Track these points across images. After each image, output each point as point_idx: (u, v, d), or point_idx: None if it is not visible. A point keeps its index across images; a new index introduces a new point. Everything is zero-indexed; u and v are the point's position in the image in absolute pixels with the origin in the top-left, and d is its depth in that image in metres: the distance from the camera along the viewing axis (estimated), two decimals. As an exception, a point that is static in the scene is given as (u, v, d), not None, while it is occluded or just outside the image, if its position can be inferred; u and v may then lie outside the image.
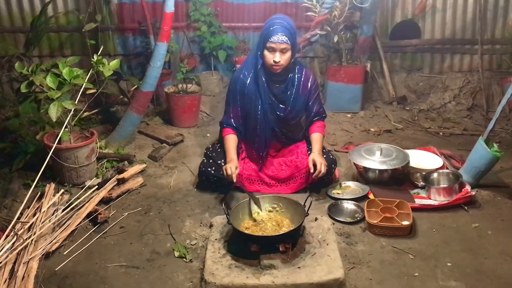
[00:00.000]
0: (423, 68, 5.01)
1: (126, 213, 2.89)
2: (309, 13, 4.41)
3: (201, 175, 3.10)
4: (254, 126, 3.12)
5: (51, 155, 2.86)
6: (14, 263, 2.38)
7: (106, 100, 4.50)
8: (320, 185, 3.11)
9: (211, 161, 3.09)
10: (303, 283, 2.16)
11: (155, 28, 4.28)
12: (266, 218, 2.59)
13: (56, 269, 2.39)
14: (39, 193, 3.04)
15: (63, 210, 2.81)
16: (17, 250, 2.42)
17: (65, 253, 2.52)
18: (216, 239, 2.50)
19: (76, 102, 3.01)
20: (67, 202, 2.93)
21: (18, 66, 3.08)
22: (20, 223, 2.68)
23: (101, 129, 4.15)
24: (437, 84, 4.89)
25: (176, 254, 2.49)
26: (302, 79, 3.08)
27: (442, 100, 4.75)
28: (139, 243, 2.61)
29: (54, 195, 2.96)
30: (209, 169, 3.06)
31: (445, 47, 4.90)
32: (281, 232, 2.42)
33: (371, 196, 3.00)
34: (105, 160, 3.53)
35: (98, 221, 2.75)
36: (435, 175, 3.09)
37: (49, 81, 2.93)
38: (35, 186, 2.77)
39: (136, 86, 4.32)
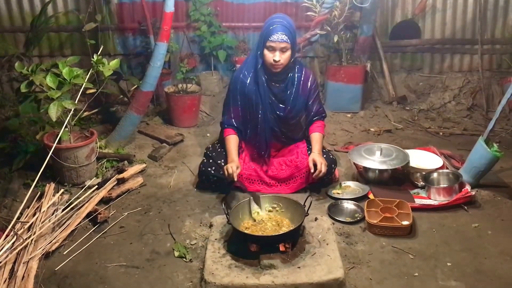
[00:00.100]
0: (423, 68, 5.01)
1: (126, 213, 2.89)
2: (309, 13, 4.41)
3: (201, 175, 3.10)
4: (254, 126, 3.12)
5: (51, 155, 2.86)
6: (14, 262, 2.38)
7: (106, 100, 4.50)
8: (320, 185, 3.11)
9: (211, 161, 3.09)
10: (303, 283, 2.16)
11: (155, 28, 4.28)
12: (266, 218, 2.59)
13: (56, 269, 2.39)
14: (39, 192, 3.04)
15: (63, 210, 2.81)
16: (17, 250, 2.42)
17: (65, 253, 2.52)
18: (216, 239, 2.50)
19: (76, 101, 3.01)
20: (67, 202, 2.93)
21: (18, 66, 3.08)
22: (20, 222, 2.68)
23: (101, 129, 4.15)
24: (437, 84, 4.89)
25: (176, 254, 2.49)
26: (302, 78, 3.08)
27: (442, 100, 4.75)
28: (139, 243, 2.61)
29: (54, 195, 2.96)
30: (209, 169, 3.06)
31: (445, 47, 4.90)
32: (281, 232, 2.42)
33: (371, 196, 3.00)
34: (105, 160, 3.53)
35: (98, 221, 2.75)
36: (435, 175, 3.09)
37: (49, 80, 2.93)
38: (35, 186, 2.78)
39: (136, 86, 4.32)
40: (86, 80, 3.07)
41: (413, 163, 3.22)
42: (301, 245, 2.43)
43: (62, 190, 3.05)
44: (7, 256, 2.38)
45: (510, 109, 4.42)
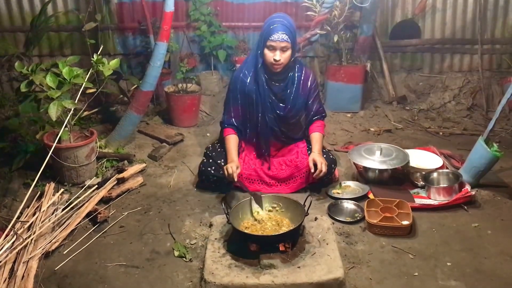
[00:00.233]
0: (423, 68, 5.01)
1: (126, 213, 2.89)
2: (309, 13, 4.41)
3: (201, 175, 3.10)
4: (254, 125, 3.12)
5: (51, 155, 2.87)
6: (14, 262, 2.38)
7: (106, 100, 4.50)
8: (320, 184, 3.11)
9: (211, 160, 3.09)
10: (303, 283, 2.16)
11: (155, 27, 4.28)
12: (266, 217, 2.59)
13: (55, 269, 2.39)
14: (39, 192, 3.04)
15: (63, 209, 2.81)
16: (16, 250, 2.42)
17: (64, 252, 2.52)
18: (216, 239, 2.50)
19: (76, 101, 3.01)
20: (67, 202, 2.93)
21: (18, 66, 3.08)
22: (20, 222, 2.68)
23: (101, 128, 4.15)
24: (437, 84, 4.89)
25: (176, 253, 2.49)
26: (302, 78, 3.08)
27: (442, 100, 4.76)
28: (139, 243, 2.61)
29: (54, 195, 2.96)
30: (209, 168, 3.06)
31: (445, 47, 4.90)
32: (281, 232, 2.42)
33: (371, 195, 3.00)
34: (105, 159, 3.53)
35: (98, 220, 2.75)
36: (435, 174, 3.09)
37: (49, 80, 2.93)
38: (35, 185, 2.78)
39: (136, 85, 4.32)
40: (86, 80, 3.07)
41: (413, 163, 3.22)
42: (301, 244, 2.43)
43: (62, 189, 3.05)
44: (7, 255, 2.38)
45: (510, 109, 4.42)
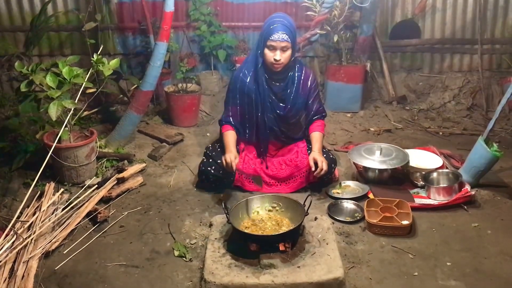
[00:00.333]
0: (422, 67, 5.01)
1: (126, 212, 2.89)
2: (309, 13, 4.41)
3: (201, 175, 3.10)
4: (254, 125, 3.12)
5: (51, 154, 2.87)
6: (14, 262, 2.38)
7: (106, 100, 4.50)
8: (320, 184, 3.11)
9: (210, 160, 3.09)
10: (302, 283, 2.17)
11: (155, 27, 4.28)
12: (265, 217, 2.59)
13: (56, 268, 2.39)
14: (39, 192, 3.04)
15: (63, 209, 2.81)
16: (17, 249, 2.42)
17: (65, 252, 2.52)
18: (215, 239, 2.50)
19: (76, 101, 3.01)
20: (66, 201, 2.93)
21: (18, 65, 3.09)
22: (20, 222, 2.68)
23: (101, 128, 4.15)
24: (436, 83, 4.89)
25: (176, 253, 2.49)
26: (302, 77, 3.09)
27: (441, 99, 4.76)
28: (138, 242, 2.62)
29: (54, 194, 2.96)
30: (208, 168, 3.06)
31: (445, 46, 4.90)
32: (281, 232, 2.42)
33: (370, 195, 3.00)
34: (105, 159, 3.53)
35: (98, 220, 2.75)
36: (434, 174, 3.09)
37: (49, 80, 2.93)
38: (35, 185, 2.78)
39: (136, 85, 4.32)
40: (86, 80, 3.07)
41: (413, 162, 3.22)
42: (301, 244, 2.43)
43: (62, 189, 3.05)
44: (7, 255, 2.38)
45: (510, 109, 4.42)
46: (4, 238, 2.50)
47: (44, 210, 2.77)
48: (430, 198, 2.96)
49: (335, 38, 4.42)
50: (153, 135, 4.04)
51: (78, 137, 3.36)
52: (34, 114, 3.50)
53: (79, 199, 2.94)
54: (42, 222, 2.65)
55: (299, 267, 2.26)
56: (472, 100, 4.71)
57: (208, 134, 4.18)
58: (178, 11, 4.63)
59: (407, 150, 3.28)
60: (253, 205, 2.64)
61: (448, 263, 2.40)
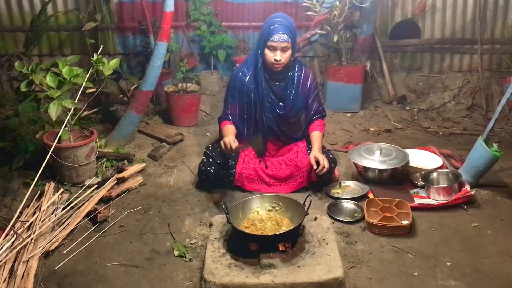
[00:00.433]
0: (422, 67, 5.01)
1: (126, 212, 2.89)
2: (309, 13, 4.41)
3: (201, 174, 3.10)
4: (252, 124, 3.13)
5: (50, 154, 2.87)
6: (14, 262, 2.38)
7: (106, 99, 4.50)
8: (319, 184, 3.11)
9: (210, 160, 3.09)
10: (302, 282, 2.17)
11: (155, 27, 4.28)
12: (265, 217, 2.59)
13: (55, 268, 2.39)
14: (39, 192, 3.04)
15: (63, 209, 2.81)
16: (16, 249, 2.42)
17: (64, 252, 2.52)
18: (215, 238, 2.50)
19: (76, 101, 3.01)
20: (66, 201, 2.93)
21: (18, 65, 3.09)
22: (19, 222, 2.68)
23: (101, 128, 4.15)
24: (436, 83, 4.89)
25: (176, 253, 2.49)
26: (302, 77, 3.09)
27: (441, 99, 4.76)
28: (138, 242, 2.62)
29: (53, 194, 2.96)
30: (208, 168, 3.06)
31: (445, 46, 4.90)
32: (281, 231, 2.42)
33: (370, 195, 3.00)
34: (105, 159, 3.53)
35: (98, 220, 2.75)
36: (434, 174, 3.09)
37: (49, 80, 2.93)
38: (35, 185, 2.78)
39: (136, 85, 4.32)
40: (86, 80, 3.07)
41: (413, 162, 3.22)
42: (301, 244, 2.43)
43: (62, 189, 3.06)
44: (7, 255, 2.39)
45: (509, 109, 4.43)
46: (4, 238, 2.50)
47: (44, 210, 2.77)
48: (430, 198, 2.96)
49: (335, 38, 4.42)
50: (153, 135, 4.04)
51: (78, 137, 3.36)
52: (34, 114, 3.50)
53: (79, 199, 2.95)
54: (42, 222, 2.65)
55: (299, 267, 2.26)
56: (472, 100, 4.71)
57: (208, 134, 4.18)
58: (178, 11, 4.63)
59: (407, 150, 3.28)
60: (253, 205, 2.64)
61: (448, 263, 2.40)
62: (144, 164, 3.48)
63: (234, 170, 3.05)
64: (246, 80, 3.05)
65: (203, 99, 4.62)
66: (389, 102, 4.78)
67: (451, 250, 2.50)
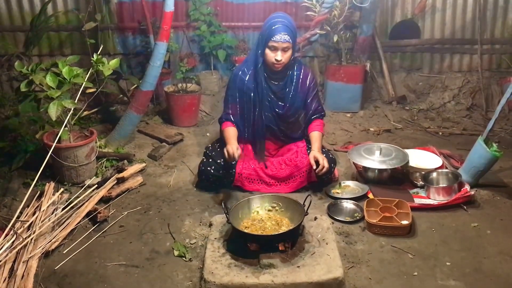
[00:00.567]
0: (422, 67, 5.01)
1: (126, 212, 2.89)
2: (308, 13, 4.41)
3: (201, 174, 3.10)
4: (251, 123, 3.13)
5: (50, 154, 2.87)
6: (14, 261, 2.39)
7: (106, 99, 4.50)
8: (319, 184, 3.11)
9: (210, 160, 3.09)
10: (302, 282, 2.17)
11: (155, 27, 4.28)
12: (265, 217, 2.59)
13: (55, 268, 2.39)
14: (39, 192, 3.04)
15: (63, 209, 2.81)
16: (16, 249, 2.43)
17: (64, 252, 2.52)
18: (215, 238, 2.50)
19: (75, 101, 3.01)
20: (66, 201, 2.93)
21: (18, 65, 3.09)
22: (19, 222, 2.68)
23: (101, 128, 4.15)
24: (436, 83, 4.90)
25: (176, 253, 2.49)
26: (301, 76, 3.10)
27: (441, 99, 4.76)
28: (138, 242, 2.62)
29: (53, 194, 2.96)
30: (208, 168, 3.06)
31: (445, 47, 4.90)
32: (281, 231, 2.42)
33: (370, 195, 3.00)
34: (105, 159, 3.53)
35: (98, 220, 2.75)
36: (434, 174, 3.09)
37: (49, 80, 2.93)
38: (35, 185, 2.78)
39: (136, 85, 4.32)
40: (86, 80, 3.07)
41: (413, 162, 3.22)
42: (301, 244, 2.43)
43: (62, 189, 3.06)
44: (7, 255, 2.39)
45: (509, 109, 4.43)
46: (4, 238, 2.50)
47: (44, 210, 2.77)
48: (429, 198, 2.97)
49: (335, 38, 4.42)
50: (153, 135, 4.04)
51: (78, 137, 3.36)
52: (34, 114, 3.50)
53: (79, 199, 2.95)
54: (42, 222, 2.65)
55: (298, 267, 2.26)
56: (472, 100, 4.71)
57: (208, 134, 4.18)
58: (178, 11, 4.63)
59: (407, 150, 3.28)
60: (253, 205, 2.64)
61: (448, 263, 2.40)
62: (144, 164, 3.48)
63: (234, 170, 3.05)
64: (246, 79, 3.06)
65: (203, 99, 4.62)
66: (389, 102, 4.78)
67: (450, 250, 2.50)
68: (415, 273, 2.33)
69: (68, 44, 4.74)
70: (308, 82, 3.12)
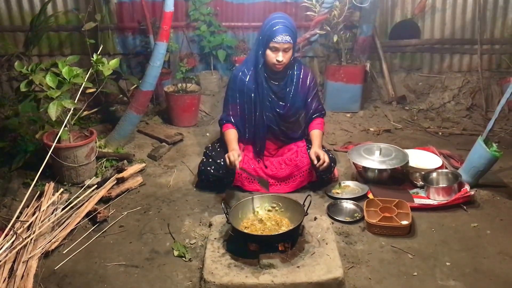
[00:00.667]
0: (422, 68, 5.01)
1: (126, 212, 2.89)
2: (308, 13, 4.42)
3: (201, 174, 3.10)
4: (252, 124, 3.13)
5: (50, 154, 2.87)
6: (14, 262, 2.39)
7: (106, 99, 4.50)
8: (319, 184, 3.12)
9: (210, 160, 3.09)
10: (302, 282, 2.17)
11: (155, 27, 4.28)
12: (265, 217, 2.59)
13: (55, 268, 2.39)
14: (39, 192, 3.04)
15: (63, 209, 2.81)
16: (16, 249, 2.42)
17: (64, 252, 2.52)
18: (215, 238, 2.50)
19: (75, 101, 3.01)
20: (66, 201, 2.93)
21: (18, 65, 3.09)
22: (19, 222, 2.68)
23: (101, 128, 4.15)
24: (436, 84, 4.90)
25: (176, 253, 2.49)
26: (301, 76, 3.10)
27: (441, 100, 4.76)
28: (138, 242, 2.62)
29: (53, 194, 2.96)
30: (208, 168, 3.06)
31: (445, 47, 4.90)
32: (280, 232, 2.43)
33: (370, 195, 3.00)
34: (105, 159, 3.53)
35: (98, 220, 2.75)
36: (434, 174, 3.09)
37: (49, 80, 2.93)
38: (35, 185, 2.78)
39: (135, 85, 4.32)
40: (85, 80, 3.07)
41: (412, 163, 3.22)
42: (301, 244, 2.43)
43: (61, 189, 3.06)
44: (7, 255, 2.39)
45: (509, 109, 4.43)
46: (4, 238, 2.50)
47: (43, 210, 2.77)
48: (429, 198, 2.97)
49: (335, 38, 4.42)
50: (153, 135, 4.04)
51: (78, 137, 3.36)
52: (34, 114, 3.50)
53: (78, 199, 2.95)
54: (41, 222, 2.65)
55: (298, 267, 2.26)
56: (472, 100, 4.71)
57: (207, 134, 4.18)
58: (178, 11, 4.63)
59: (407, 150, 3.28)
60: (253, 205, 2.64)
61: (448, 263, 2.40)
62: (143, 164, 3.48)
63: (234, 170, 3.05)
64: (247, 80, 3.06)
65: (203, 99, 4.62)
66: (388, 102, 4.78)
67: (450, 250, 2.50)
68: (415, 273, 2.33)
69: (68, 44, 4.74)
70: (308, 82, 3.12)
